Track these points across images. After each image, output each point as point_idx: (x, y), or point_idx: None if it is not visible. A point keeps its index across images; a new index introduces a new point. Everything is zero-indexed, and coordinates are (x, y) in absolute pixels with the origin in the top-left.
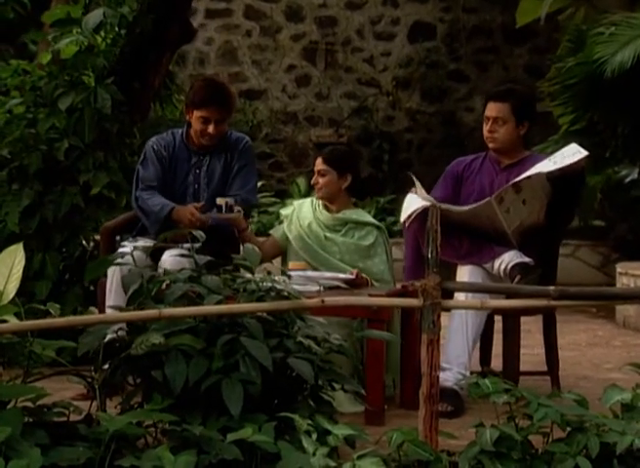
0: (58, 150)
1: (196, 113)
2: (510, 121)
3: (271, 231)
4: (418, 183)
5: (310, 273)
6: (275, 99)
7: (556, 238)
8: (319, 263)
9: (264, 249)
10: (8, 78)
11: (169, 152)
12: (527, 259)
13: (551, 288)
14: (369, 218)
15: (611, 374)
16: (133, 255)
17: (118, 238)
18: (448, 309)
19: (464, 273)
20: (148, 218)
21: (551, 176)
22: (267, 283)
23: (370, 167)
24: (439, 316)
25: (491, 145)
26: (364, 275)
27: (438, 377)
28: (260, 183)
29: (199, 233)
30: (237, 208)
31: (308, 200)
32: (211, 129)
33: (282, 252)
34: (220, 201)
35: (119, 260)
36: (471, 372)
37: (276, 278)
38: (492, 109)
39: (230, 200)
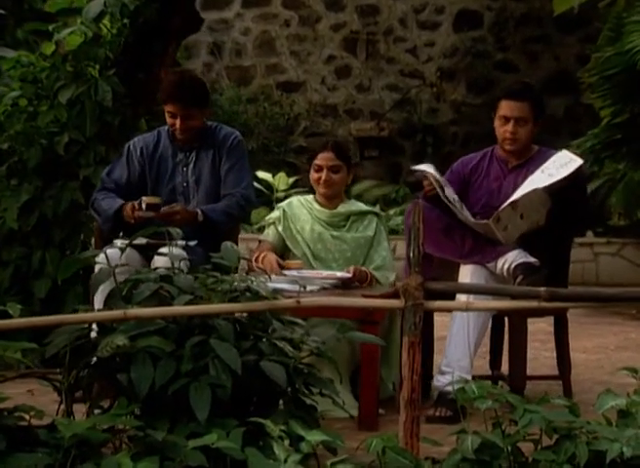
0: (58, 144)
1: (165, 108)
2: (530, 121)
3: (262, 238)
4: (430, 173)
5: (306, 273)
6: (314, 92)
7: (565, 237)
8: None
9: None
10: (10, 70)
11: (148, 151)
12: (532, 259)
13: (542, 289)
14: (366, 207)
15: (631, 379)
16: (106, 254)
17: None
18: (434, 311)
19: (467, 273)
20: (100, 217)
21: (550, 190)
22: (243, 283)
23: (412, 161)
24: (421, 317)
25: (510, 147)
26: (364, 268)
27: (419, 381)
28: (294, 179)
29: (175, 230)
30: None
31: (294, 200)
32: (177, 124)
33: (279, 254)
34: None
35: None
36: (474, 377)
37: (253, 277)
38: (512, 109)
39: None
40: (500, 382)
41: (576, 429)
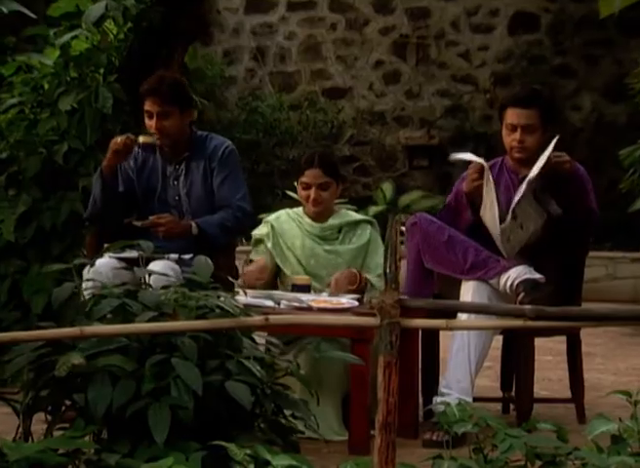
0: (57, 153)
1: (144, 108)
2: (539, 129)
3: (252, 256)
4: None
5: (311, 300)
6: (361, 98)
7: (572, 249)
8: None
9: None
10: (13, 76)
11: (137, 163)
12: (536, 275)
13: (527, 307)
14: (358, 215)
15: None
16: (73, 269)
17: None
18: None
19: (468, 290)
20: (95, 202)
21: (542, 196)
22: (212, 299)
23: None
24: (397, 336)
25: (518, 155)
26: (354, 270)
27: (396, 404)
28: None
29: (147, 243)
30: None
31: (282, 214)
32: (154, 123)
33: (272, 272)
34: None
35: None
36: (480, 399)
37: (222, 294)
38: (519, 116)
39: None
40: (513, 405)
41: (561, 455)
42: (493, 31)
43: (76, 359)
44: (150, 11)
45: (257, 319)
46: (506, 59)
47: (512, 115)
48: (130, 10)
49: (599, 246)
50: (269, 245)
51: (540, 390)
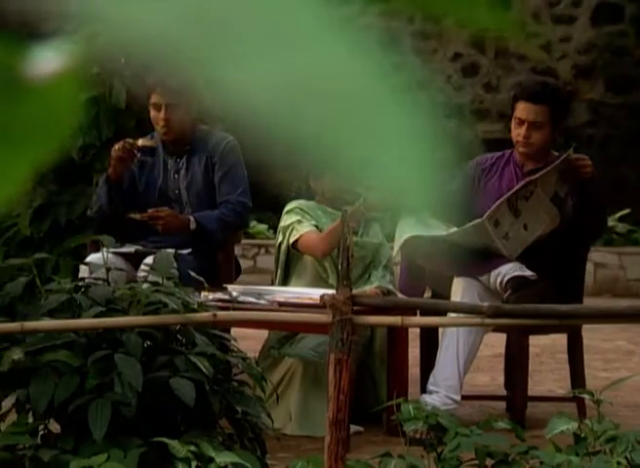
0: (72, 147)
1: (150, 102)
2: (547, 125)
3: (306, 230)
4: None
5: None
6: (438, 91)
7: (575, 249)
8: None
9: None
10: None
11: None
12: (527, 273)
13: (485, 304)
14: None
15: None
16: (33, 264)
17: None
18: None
19: (458, 287)
20: (101, 207)
21: (558, 197)
22: (160, 295)
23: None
24: (349, 333)
25: (522, 150)
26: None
27: (347, 401)
28: None
29: (108, 238)
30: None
31: (302, 203)
32: (161, 115)
33: None
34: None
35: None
36: (463, 397)
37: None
38: (527, 112)
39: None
40: None
41: (515, 454)
42: (575, 22)
43: (16, 354)
44: None
45: (204, 315)
46: (588, 51)
47: (520, 109)
48: None
49: None
50: (313, 222)
51: (559, 388)
